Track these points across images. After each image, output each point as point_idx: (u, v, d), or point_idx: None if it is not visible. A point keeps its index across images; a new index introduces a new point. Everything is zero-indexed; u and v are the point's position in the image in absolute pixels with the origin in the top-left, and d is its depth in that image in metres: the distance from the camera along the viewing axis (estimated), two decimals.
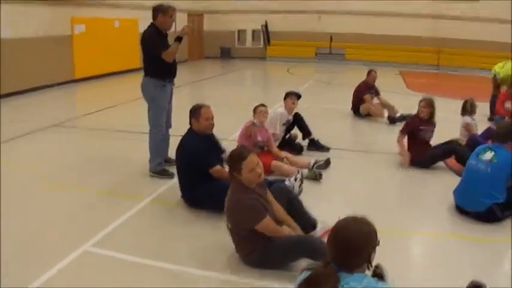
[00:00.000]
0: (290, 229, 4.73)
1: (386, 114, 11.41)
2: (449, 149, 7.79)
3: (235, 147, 5.41)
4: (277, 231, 4.50)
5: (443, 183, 7.04)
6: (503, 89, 11.51)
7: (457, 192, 6.13)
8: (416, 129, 8.00)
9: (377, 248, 2.76)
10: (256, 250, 4.46)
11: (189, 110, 6.15)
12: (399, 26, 24.14)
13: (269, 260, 4.47)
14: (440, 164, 7.93)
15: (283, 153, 7.59)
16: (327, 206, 6.00)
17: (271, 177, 6.30)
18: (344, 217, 2.81)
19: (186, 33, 7.07)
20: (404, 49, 24.04)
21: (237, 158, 4.50)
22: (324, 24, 25.23)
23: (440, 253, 5.18)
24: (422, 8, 23.75)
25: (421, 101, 8.19)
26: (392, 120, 10.98)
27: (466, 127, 8.54)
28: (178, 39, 6.94)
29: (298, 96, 8.47)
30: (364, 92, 11.69)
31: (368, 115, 11.63)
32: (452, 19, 23.64)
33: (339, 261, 2.68)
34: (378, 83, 11.99)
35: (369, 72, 12.01)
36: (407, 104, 11.38)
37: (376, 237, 2.76)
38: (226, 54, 27.26)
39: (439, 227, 5.91)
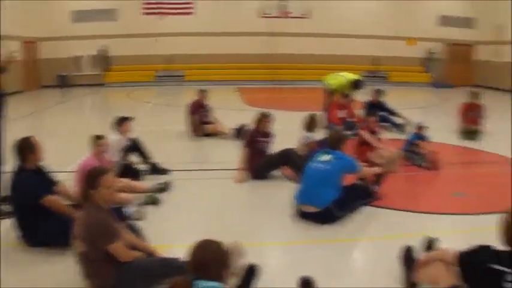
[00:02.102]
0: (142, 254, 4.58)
1: (228, 130, 11.50)
2: (283, 157, 8.09)
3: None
4: (131, 255, 4.33)
5: (283, 192, 7.26)
6: (336, 98, 12.25)
7: (298, 194, 6.45)
8: (254, 142, 8.21)
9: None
10: (111, 276, 4.24)
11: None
12: (236, 45, 24.80)
13: (129, 285, 4.28)
14: (279, 174, 8.23)
15: (124, 181, 7.33)
16: (170, 228, 5.99)
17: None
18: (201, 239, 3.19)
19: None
20: (243, 67, 24.68)
21: (96, 173, 4.35)
22: (162, 47, 25.15)
23: (289, 260, 5.36)
24: (257, 26, 24.54)
25: (258, 115, 8.47)
26: (237, 134, 11.09)
27: (306, 143, 8.81)
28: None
29: (130, 120, 8.28)
30: (195, 112, 11.76)
31: (209, 134, 11.69)
32: (286, 36, 24.68)
33: (196, 273, 3.08)
34: (217, 101, 12.14)
35: (200, 92, 12.12)
36: (245, 119, 11.61)
37: (227, 253, 3.22)
38: (63, 82, 25.92)
39: (285, 235, 6.11)
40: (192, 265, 3.13)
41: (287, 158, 8.07)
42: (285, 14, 24.60)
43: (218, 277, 3.14)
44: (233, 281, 4.11)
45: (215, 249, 3.19)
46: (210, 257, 3.13)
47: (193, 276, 3.09)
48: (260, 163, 8.15)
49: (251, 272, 4.31)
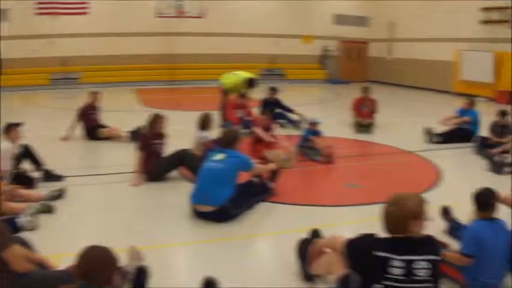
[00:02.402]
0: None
1: (123, 133, 11.26)
2: (178, 157, 8.04)
3: None
4: (26, 266, 4.08)
5: (180, 192, 7.17)
6: (232, 97, 12.34)
7: (193, 194, 6.42)
8: (148, 144, 8.08)
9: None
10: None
11: None
12: (133, 45, 24.26)
13: None
14: (177, 174, 8.18)
15: (16, 189, 6.99)
16: (66, 236, 5.78)
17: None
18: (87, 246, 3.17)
19: None
20: (141, 67, 24.26)
21: None
22: (56, 48, 24.24)
23: (188, 260, 5.39)
24: (154, 26, 24.19)
25: (151, 117, 8.38)
26: (133, 137, 10.85)
27: (202, 142, 8.78)
28: None
29: (20, 126, 7.88)
30: (88, 115, 11.44)
31: (105, 138, 11.35)
32: (183, 35, 24.53)
33: (84, 280, 3.07)
34: (113, 103, 11.86)
35: (91, 94, 11.78)
36: (142, 121, 11.41)
37: (114, 258, 3.20)
38: None
39: (182, 235, 6.08)
40: (80, 273, 3.09)
41: (182, 159, 8.02)
42: (181, 14, 24.41)
43: (107, 283, 3.12)
44: (126, 285, 4.04)
45: (101, 255, 3.17)
46: (97, 263, 3.12)
47: (82, 284, 3.09)
48: (156, 165, 8.04)
49: (141, 274, 4.23)
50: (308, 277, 4.67)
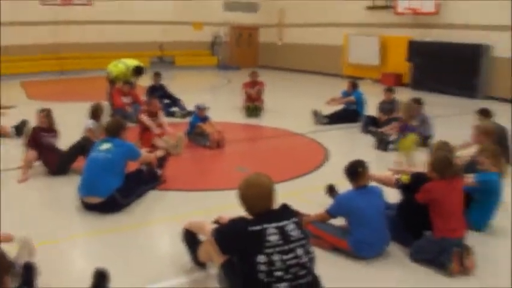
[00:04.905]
0: None
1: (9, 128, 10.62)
2: (78, 148, 7.77)
3: None
4: None
5: (74, 185, 6.87)
6: (118, 85, 12.19)
7: (81, 185, 6.30)
8: (39, 138, 7.80)
9: None
10: None
11: None
12: (19, 35, 22.99)
13: None
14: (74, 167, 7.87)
15: None
16: None
17: None
18: None
19: None
20: (27, 58, 23.09)
21: None
22: None
23: (77, 254, 5.27)
24: (41, 14, 23.11)
25: (38, 111, 8.13)
26: (18, 131, 10.30)
27: (88, 131, 8.52)
28: None
29: None
30: None
31: None
32: (70, 24, 23.64)
33: None
34: None
35: None
36: (29, 114, 10.90)
37: (7, 263, 3.25)
38: None
39: (70, 229, 5.88)
40: None
41: (83, 149, 7.70)
42: (67, 2, 23.52)
43: None
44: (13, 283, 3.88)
45: None
46: None
47: None
48: (58, 158, 7.77)
49: (29, 270, 4.13)
50: (198, 264, 4.67)
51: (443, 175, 4.99)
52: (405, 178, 5.56)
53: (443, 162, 5.05)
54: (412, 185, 5.29)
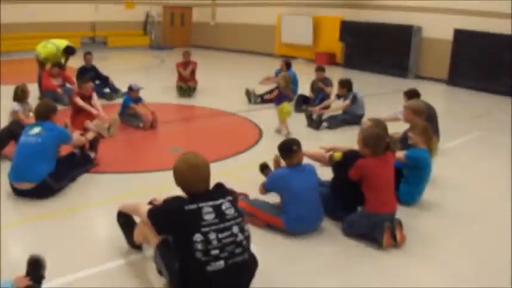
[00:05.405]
0: None
1: None
2: (9, 132, 7.50)
3: None
4: None
5: (4, 170, 6.63)
6: (48, 67, 11.84)
7: (12, 171, 6.11)
8: None
9: None
10: None
11: None
12: None
13: None
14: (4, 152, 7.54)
15: None
16: None
17: None
18: None
19: None
20: None
21: None
22: None
23: (11, 243, 5.03)
24: None
25: None
26: None
27: (14, 114, 8.24)
28: None
29: None
30: None
31: None
32: None
33: None
34: None
35: None
36: None
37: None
38: None
39: (4, 216, 5.56)
40: None
41: (13, 133, 7.43)
42: None
43: None
44: None
45: None
46: None
47: None
48: None
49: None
50: (134, 246, 4.62)
51: (375, 151, 5.12)
52: (338, 155, 5.68)
53: (375, 138, 5.17)
54: (344, 162, 5.41)
